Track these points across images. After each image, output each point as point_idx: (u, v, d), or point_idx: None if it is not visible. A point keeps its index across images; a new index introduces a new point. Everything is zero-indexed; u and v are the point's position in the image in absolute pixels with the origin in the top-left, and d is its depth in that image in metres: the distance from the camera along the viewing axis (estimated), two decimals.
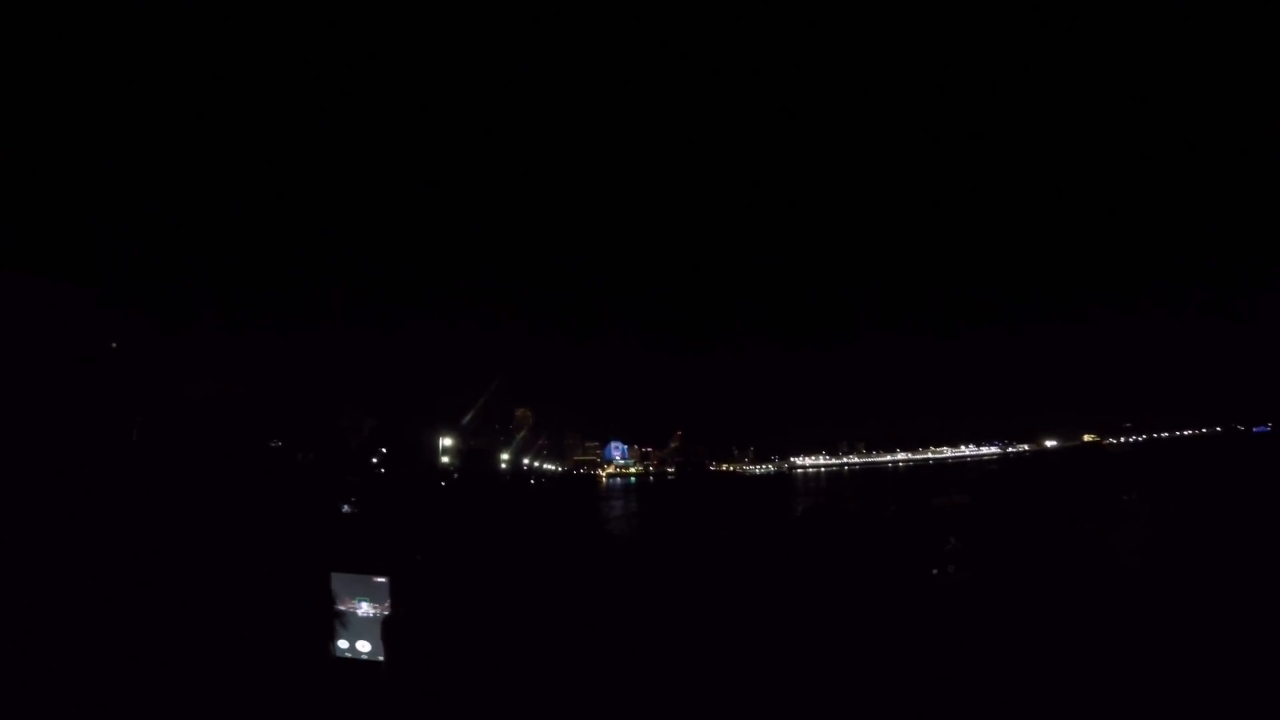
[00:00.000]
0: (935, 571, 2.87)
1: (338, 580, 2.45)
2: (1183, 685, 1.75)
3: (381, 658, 2.32)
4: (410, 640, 2.14)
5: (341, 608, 2.43)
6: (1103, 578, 2.25)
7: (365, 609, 2.44)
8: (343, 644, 2.45)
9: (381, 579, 2.44)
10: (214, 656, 2.07)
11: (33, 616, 2.08)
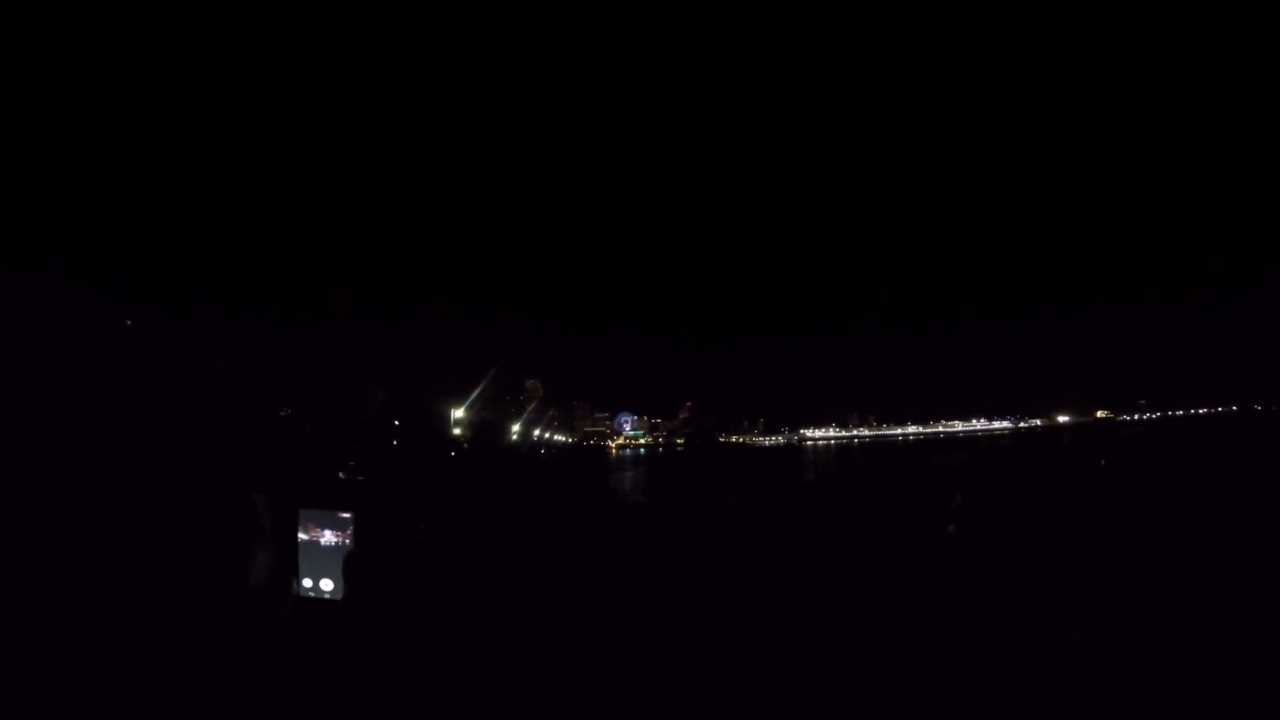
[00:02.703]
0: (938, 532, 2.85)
1: (305, 515, 2.47)
2: (1188, 666, 1.73)
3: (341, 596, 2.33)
4: (371, 576, 2.11)
5: (304, 535, 2.45)
6: (1107, 550, 2.23)
7: (329, 537, 2.45)
8: (306, 582, 2.46)
9: (346, 514, 2.46)
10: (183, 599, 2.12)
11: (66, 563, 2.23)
